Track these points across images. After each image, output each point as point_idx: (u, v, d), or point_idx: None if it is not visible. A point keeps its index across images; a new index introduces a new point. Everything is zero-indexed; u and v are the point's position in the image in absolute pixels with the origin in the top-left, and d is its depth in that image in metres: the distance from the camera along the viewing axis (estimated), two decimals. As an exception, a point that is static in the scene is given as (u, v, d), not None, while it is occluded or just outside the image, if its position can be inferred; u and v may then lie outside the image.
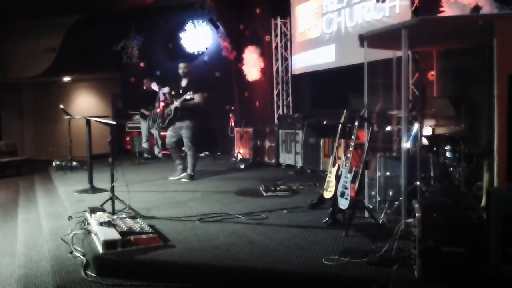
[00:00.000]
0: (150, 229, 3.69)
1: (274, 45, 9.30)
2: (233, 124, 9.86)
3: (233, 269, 3.02)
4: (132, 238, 3.41)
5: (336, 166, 4.05)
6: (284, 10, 9.08)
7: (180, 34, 10.79)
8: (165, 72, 10.92)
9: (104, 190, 5.62)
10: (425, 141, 4.26)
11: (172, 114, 6.58)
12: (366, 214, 4.15)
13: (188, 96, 6.43)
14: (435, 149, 4.18)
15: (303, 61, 8.68)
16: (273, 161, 8.24)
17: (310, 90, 9.01)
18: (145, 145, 9.62)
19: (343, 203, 3.81)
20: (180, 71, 6.82)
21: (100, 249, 3.31)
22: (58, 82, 12.51)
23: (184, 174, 6.79)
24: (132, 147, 10.63)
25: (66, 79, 12.63)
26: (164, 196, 5.56)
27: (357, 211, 3.91)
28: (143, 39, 10.96)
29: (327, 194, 4.14)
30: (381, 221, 3.95)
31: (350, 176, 3.80)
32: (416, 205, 2.79)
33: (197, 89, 6.56)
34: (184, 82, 6.80)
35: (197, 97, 6.51)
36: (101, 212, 4.03)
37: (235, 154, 8.99)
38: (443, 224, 2.65)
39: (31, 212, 5.46)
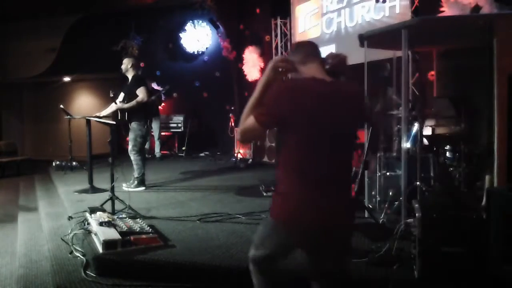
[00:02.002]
0: (150, 229, 3.70)
1: (274, 45, 9.29)
2: (233, 124, 9.86)
3: (233, 269, 3.02)
4: (132, 238, 3.41)
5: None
6: (284, 10, 9.06)
7: (180, 34, 10.79)
8: (165, 72, 10.94)
9: (104, 190, 5.61)
10: (425, 141, 4.26)
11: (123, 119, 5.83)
12: (366, 214, 4.14)
13: (125, 105, 5.86)
14: (435, 149, 4.19)
15: (303, 61, 8.66)
16: (273, 161, 8.23)
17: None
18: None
19: (343, 203, 3.80)
20: (122, 66, 6.15)
21: (100, 249, 3.31)
22: (58, 82, 12.47)
23: (130, 182, 5.87)
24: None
25: (66, 79, 12.60)
26: (164, 196, 5.56)
27: (357, 211, 3.91)
28: (143, 39, 10.95)
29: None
30: (381, 221, 3.95)
31: (350, 176, 3.80)
32: (416, 205, 2.79)
33: (137, 84, 5.92)
34: (128, 81, 6.13)
35: (139, 92, 5.84)
36: (101, 212, 4.03)
37: (235, 154, 8.99)
38: (443, 224, 2.65)
39: (31, 212, 5.46)
